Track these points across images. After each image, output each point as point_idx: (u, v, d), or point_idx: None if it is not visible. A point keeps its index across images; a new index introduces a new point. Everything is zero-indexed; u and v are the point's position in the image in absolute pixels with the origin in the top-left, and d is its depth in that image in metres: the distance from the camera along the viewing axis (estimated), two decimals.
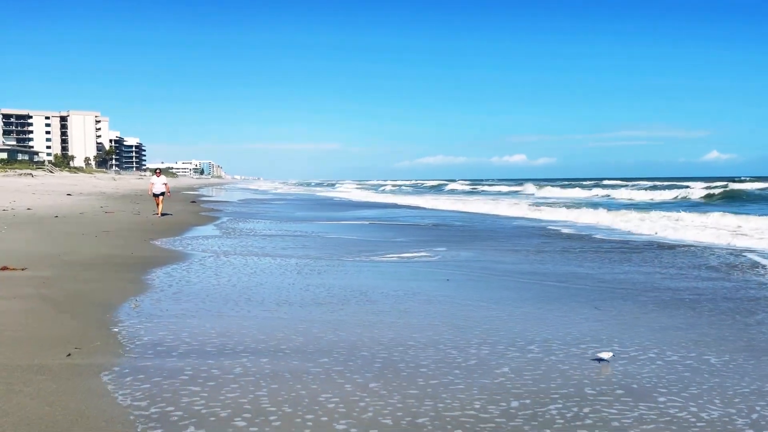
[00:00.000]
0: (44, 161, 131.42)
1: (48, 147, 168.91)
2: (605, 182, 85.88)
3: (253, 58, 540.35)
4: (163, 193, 24.13)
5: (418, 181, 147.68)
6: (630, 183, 77.57)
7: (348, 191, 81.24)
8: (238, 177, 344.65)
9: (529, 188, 69.04)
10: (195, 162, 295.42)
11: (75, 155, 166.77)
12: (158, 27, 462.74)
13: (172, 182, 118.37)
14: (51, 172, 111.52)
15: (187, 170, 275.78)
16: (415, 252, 14.05)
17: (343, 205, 41.49)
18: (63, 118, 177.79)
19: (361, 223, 23.31)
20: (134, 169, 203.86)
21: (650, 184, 70.23)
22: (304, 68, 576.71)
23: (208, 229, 19.36)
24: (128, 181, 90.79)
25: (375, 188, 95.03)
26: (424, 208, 35.82)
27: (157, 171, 25.80)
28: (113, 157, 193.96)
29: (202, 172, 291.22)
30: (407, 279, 10.43)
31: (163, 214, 23.37)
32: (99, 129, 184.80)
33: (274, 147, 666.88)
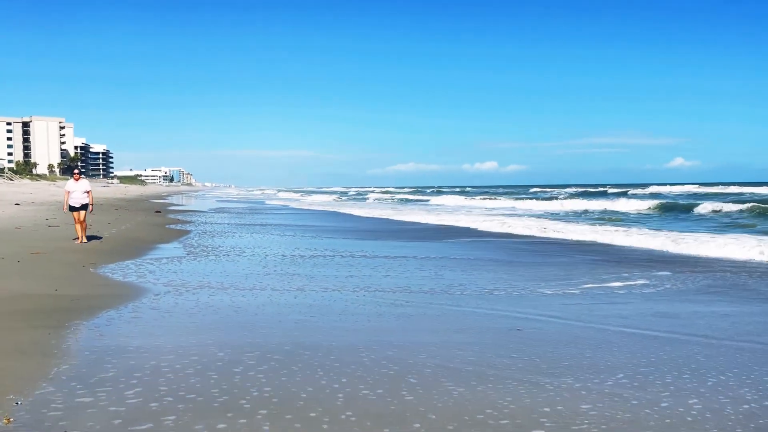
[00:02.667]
0: (4, 168, 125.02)
1: (9, 154, 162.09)
2: (535, 190, 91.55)
3: (224, 64, 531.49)
4: (85, 206, 15.63)
5: (344, 188, 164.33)
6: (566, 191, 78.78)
7: (288, 200, 76.20)
8: (209, 184, 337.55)
9: (436, 199, 67.40)
10: (164, 169, 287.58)
11: (38, 162, 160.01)
12: (125, 32, 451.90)
13: (140, 190, 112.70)
14: (10, 179, 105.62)
15: (156, 177, 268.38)
16: (621, 280, 10.68)
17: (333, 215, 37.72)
18: (25, 124, 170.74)
19: (477, 241, 19.54)
20: (101, 176, 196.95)
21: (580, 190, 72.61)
22: (275, 75, 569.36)
23: (175, 249, 15.51)
24: (93, 189, 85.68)
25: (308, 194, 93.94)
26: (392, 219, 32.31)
27: (76, 173, 16.67)
28: (78, 164, 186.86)
29: (171, 180, 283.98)
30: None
31: (89, 238, 15.69)
32: (63, 135, 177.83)
33: (247, 154, 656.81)
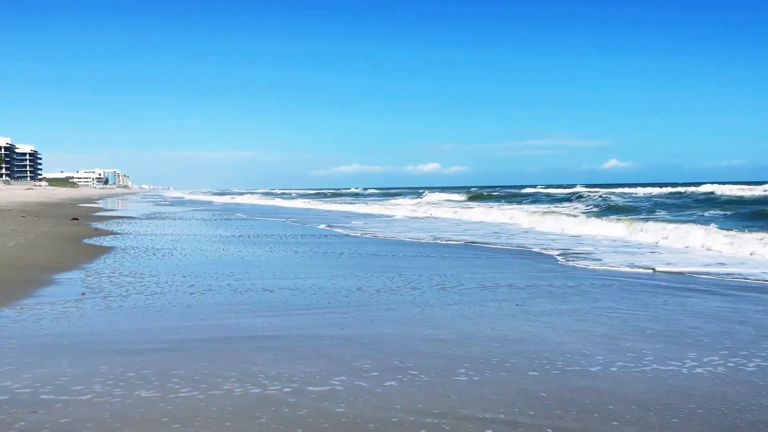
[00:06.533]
0: None
1: None
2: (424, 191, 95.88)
3: (162, 63, 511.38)
4: None
5: (269, 189, 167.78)
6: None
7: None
8: (146, 186, 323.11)
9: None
10: (99, 171, 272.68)
11: None
12: (54, 27, 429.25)
13: (69, 193, 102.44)
14: None
15: (89, 180, 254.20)
16: None
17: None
18: None
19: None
20: (28, 178, 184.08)
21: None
22: (216, 75, 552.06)
23: (74, 283, 10.11)
24: (12, 191, 76.88)
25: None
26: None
27: None
28: (3, 165, 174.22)
29: (106, 182, 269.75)
30: None
31: None
32: None
33: (187, 155, 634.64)
